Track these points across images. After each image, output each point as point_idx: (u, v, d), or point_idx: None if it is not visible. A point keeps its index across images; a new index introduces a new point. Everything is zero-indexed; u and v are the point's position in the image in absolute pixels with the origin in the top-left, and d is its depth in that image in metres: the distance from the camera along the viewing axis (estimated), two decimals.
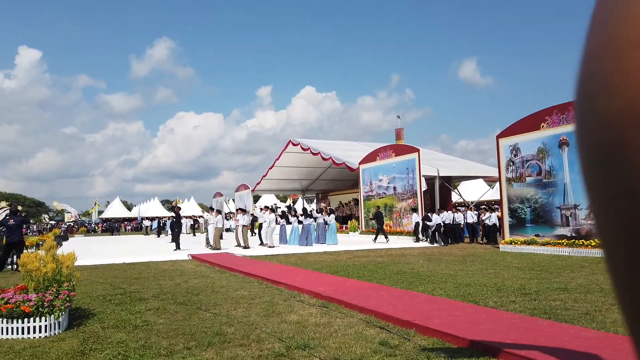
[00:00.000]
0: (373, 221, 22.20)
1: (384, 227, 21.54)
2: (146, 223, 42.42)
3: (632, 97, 0.26)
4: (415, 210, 20.69)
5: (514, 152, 16.50)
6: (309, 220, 19.82)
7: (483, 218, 19.83)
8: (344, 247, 18.02)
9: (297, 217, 21.83)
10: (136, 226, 53.71)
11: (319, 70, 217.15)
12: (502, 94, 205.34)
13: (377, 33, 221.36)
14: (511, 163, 16.64)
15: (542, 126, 15.38)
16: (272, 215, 19.35)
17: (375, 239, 20.79)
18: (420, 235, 20.06)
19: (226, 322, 5.80)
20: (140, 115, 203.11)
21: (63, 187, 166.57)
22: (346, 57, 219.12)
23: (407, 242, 19.70)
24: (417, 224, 20.03)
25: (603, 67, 0.28)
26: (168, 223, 32.37)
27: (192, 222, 36.47)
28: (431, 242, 19.11)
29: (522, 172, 16.23)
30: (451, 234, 20.13)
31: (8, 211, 14.92)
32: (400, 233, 21.12)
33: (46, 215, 66.78)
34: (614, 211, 0.28)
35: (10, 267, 13.00)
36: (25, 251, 10.46)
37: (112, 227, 47.60)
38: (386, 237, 20.36)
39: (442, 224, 19.43)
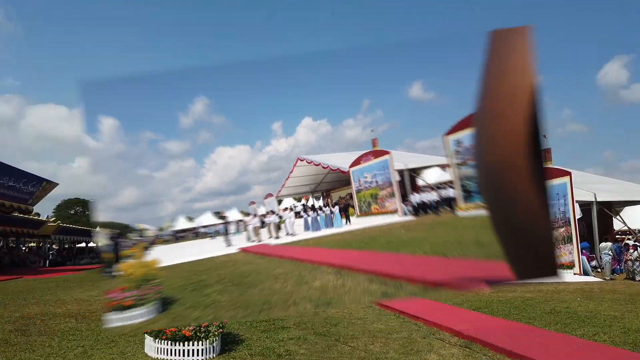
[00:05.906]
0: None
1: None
2: (202, 230, 42.37)
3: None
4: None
5: None
6: (313, 214, 20.08)
7: None
8: (351, 227, 17.99)
9: (307, 212, 22.04)
10: (196, 233, 53.67)
11: (314, 104, 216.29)
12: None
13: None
14: None
15: None
16: (292, 213, 19.68)
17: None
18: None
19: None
20: (190, 154, 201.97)
21: (142, 213, 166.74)
22: (324, 94, 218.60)
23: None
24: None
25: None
26: (227, 227, 32.20)
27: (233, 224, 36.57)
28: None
29: None
30: None
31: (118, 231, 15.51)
32: (385, 213, 21.14)
33: (132, 234, 66.74)
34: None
35: (108, 274, 13.07)
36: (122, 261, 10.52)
37: (176, 236, 47.37)
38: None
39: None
